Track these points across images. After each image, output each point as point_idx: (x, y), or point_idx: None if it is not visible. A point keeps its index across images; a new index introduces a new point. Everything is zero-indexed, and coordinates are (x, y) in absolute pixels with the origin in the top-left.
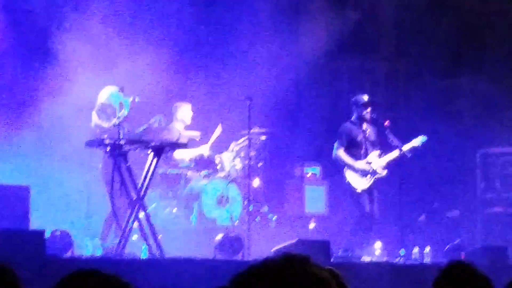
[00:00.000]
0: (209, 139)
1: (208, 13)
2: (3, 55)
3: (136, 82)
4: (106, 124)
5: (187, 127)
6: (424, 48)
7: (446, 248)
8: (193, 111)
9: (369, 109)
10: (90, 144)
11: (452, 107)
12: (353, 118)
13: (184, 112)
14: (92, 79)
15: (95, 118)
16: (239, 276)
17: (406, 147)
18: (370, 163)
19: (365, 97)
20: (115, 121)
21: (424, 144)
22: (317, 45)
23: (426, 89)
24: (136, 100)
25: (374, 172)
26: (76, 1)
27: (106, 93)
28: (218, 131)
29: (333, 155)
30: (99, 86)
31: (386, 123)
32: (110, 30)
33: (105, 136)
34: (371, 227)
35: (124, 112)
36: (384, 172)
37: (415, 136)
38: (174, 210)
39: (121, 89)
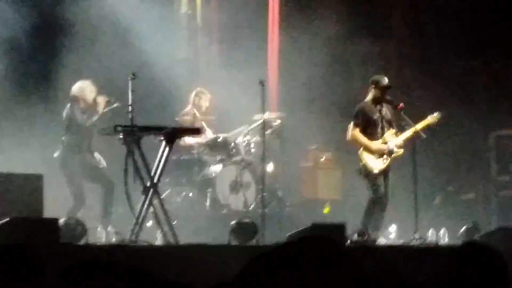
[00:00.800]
0: (221, 123)
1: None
2: (18, 48)
3: (149, 68)
4: (86, 120)
5: (202, 114)
6: (437, 31)
7: (461, 230)
8: (206, 96)
9: (385, 91)
10: (102, 131)
11: (465, 89)
12: (368, 98)
13: (202, 100)
14: (104, 68)
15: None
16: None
17: (420, 125)
18: (386, 143)
19: (386, 79)
20: (95, 118)
21: (438, 127)
22: (330, 28)
23: (439, 72)
24: (115, 105)
25: (391, 152)
26: None
27: (80, 88)
28: (242, 129)
29: (348, 136)
30: (112, 75)
31: (400, 105)
32: (122, 13)
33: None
34: (385, 209)
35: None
36: (401, 152)
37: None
38: (189, 195)
39: (133, 75)
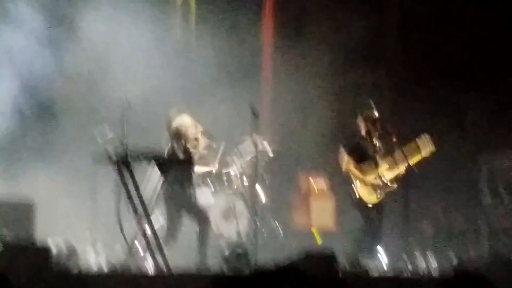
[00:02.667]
0: (212, 151)
1: (212, 26)
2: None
3: (141, 95)
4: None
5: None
6: (430, 60)
7: (452, 259)
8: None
9: (379, 125)
10: (98, 160)
11: (458, 119)
12: (362, 132)
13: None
14: (95, 92)
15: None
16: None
17: (414, 160)
18: (380, 177)
19: (375, 112)
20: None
21: (431, 155)
22: (322, 58)
23: (432, 101)
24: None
25: (384, 186)
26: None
27: (183, 124)
28: (221, 149)
29: (343, 169)
30: (102, 98)
31: (394, 139)
32: (108, 40)
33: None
34: (379, 241)
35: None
36: (395, 186)
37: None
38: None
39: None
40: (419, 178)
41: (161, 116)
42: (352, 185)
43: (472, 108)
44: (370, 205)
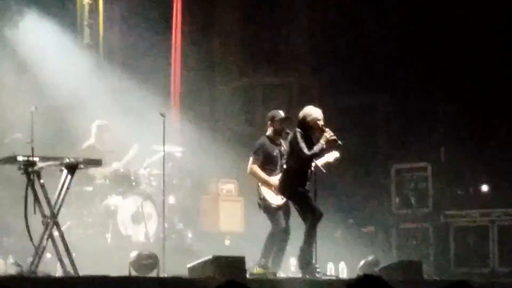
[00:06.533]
0: (123, 156)
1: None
2: None
3: (52, 99)
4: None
5: (103, 146)
6: (339, 66)
7: (360, 264)
8: (109, 129)
9: (285, 125)
10: (3, 161)
11: (366, 124)
12: (268, 133)
13: (104, 132)
14: (7, 98)
15: None
16: None
17: (320, 162)
18: None
19: (282, 113)
20: None
21: (338, 161)
22: (232, 62)
23: (340, 107)
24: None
25: None
26: None
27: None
28: (133, 151)
29: (248, 170)
30: (14, 105)
31: None
32: (24, 45)
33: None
34: (287, 243)
35: None
36: None
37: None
38: (90, 227)
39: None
40: (327, 180)
41: (70, 120)
42: (257, 186)
43: (380, 113)
44: (275, 206)
